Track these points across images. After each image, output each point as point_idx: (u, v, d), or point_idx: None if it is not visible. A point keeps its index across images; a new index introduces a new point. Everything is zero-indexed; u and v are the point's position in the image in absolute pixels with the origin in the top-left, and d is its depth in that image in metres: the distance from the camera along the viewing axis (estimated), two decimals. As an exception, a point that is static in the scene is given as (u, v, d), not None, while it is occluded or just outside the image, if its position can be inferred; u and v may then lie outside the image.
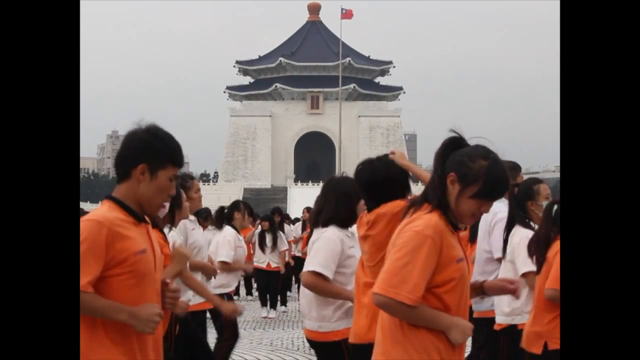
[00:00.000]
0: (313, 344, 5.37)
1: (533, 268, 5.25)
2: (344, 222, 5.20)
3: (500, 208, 6.14)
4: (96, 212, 3.22)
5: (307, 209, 17.20)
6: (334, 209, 5.21)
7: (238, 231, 9.31)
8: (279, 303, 15.97)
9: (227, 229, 9.15)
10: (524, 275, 5.44)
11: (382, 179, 4.66)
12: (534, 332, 4.86)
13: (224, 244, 8.94)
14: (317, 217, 5.33)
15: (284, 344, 12.03)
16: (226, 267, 8.71)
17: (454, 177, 3.27)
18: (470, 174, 3.25)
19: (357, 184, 4.83)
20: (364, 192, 4.80)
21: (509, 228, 5.69)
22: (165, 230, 5.79)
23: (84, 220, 3.15)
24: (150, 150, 3.26)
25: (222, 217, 9.54)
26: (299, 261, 19.91)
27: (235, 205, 9.55)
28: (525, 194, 5.74)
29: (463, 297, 3.34)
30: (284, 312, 16.13)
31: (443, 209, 3.27)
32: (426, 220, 3.22)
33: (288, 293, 18.17)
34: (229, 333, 8.43)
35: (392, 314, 3.18)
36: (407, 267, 3.12)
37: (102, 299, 3.11)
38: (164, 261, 3.61)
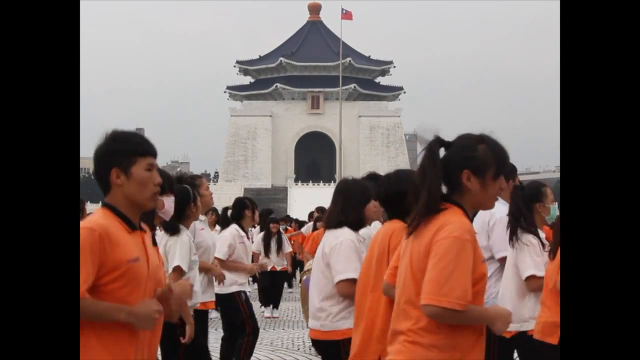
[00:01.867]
0: (316, 343, 5.38)
1: (535, 272, 5.38)
2: (354, 225, 5.24)
3: (498, 208, 6.12)
4: (90, 219, 3.26)
5: (318, 209, 16.99)
6: (342, 212, 5.26)
7: (244, 230, 9.19)
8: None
9: (230, 227, 8.97)
10: (527, 279, 5.49)
11: (396, 193, 4.71)
12: (551, 323, 4.87)
13: (220, 240, 8.77)
14: (328, 219, 5.40)
15: (284, 344, 12.04)
16: (221, 264, 8.44)
17: (468, 173, 3.33)
18: (481, 162, 3.34)
19: (378, 196, 4.92)
20: (383, 204, 4.90)
21: (513, 231, 5.67)
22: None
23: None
24: (113, 153, 3.32)
25: (227, 218, 9.39)
26: (299, 261, 19.90)
27: (242, 204, 9.29)
28: (533, 196, 5.78)
29: (484, 296, 3.41)
30: (283, 311, 16.18)
31: (464, 206, 3.35)
32: (459, 223, 3.26)
33: (289, 292, 18.16)
34: (250, 328, 8.40)
35: (444, 321, 3.22)
36: (454, 274, 3.16)
37: (101, 302, 3.14)
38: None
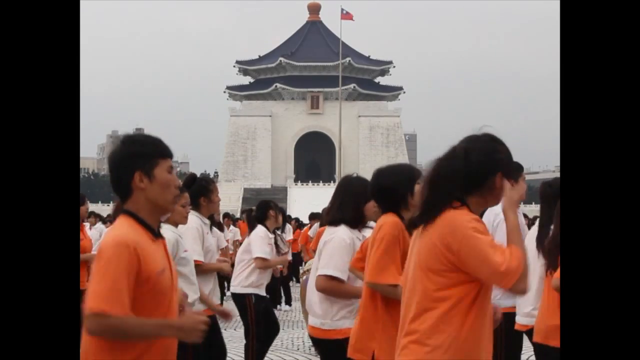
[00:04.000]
0: (315, 341, 5.37)
1: None
2: (352, 222, 5.21)
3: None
4: (120, 232, 3.16)
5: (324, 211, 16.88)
6: (340, 209, 5.24)
7: (269, 230, 9.17)
8: (283, 302, 15.94)
9: (258, 227, 8.92)
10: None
11: (388, 187, 4.70)
12: (554, 326, 4.86)
13: (256, 240, 8.65)
14: (326, 215, 5.38)
15: (284, 344, 12.03)
16: (265, 263, 8.45)
17: (501, 175, 3.35)
18: (507, 162, 3.38)
19: (370, 189, 4.89)
20: (375, 199, 4.86)
21: (544, 229, 5.54)
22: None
23: (110, 243, 3.09)
24: (136, 156, 3.24)
25: (253, 219, 9.37)
26: (298, 260, 19.91)
27: (266, 204, 9.31)
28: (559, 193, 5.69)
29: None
30: (285, 311, 16.15)
31: (471, 206, 3.37)
32: (467, 216, 3.28)
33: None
34: (254, 332, 8.33)
35: (518, 289, 3.21)
36: (494, 254, 3.17)
37: (145, 320, 3.10)
38: None
